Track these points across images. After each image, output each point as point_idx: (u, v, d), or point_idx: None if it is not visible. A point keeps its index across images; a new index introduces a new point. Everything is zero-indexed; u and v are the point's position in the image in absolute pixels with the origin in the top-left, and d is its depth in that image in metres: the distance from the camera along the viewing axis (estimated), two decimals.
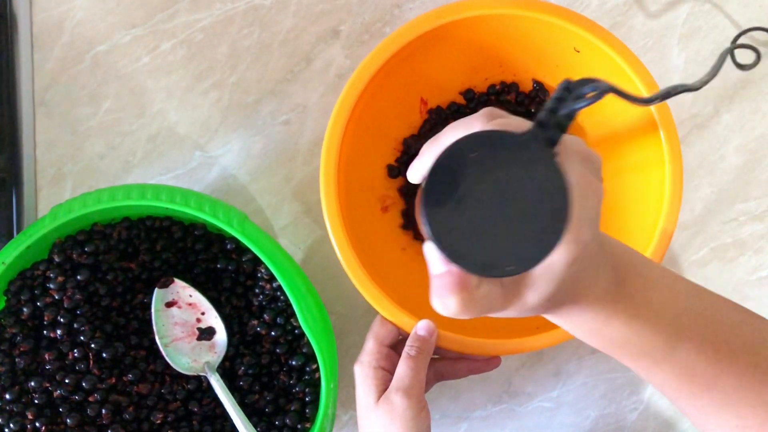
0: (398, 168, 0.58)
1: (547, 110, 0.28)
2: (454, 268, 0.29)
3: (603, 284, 0.33)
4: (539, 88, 0.57)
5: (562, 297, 0.32)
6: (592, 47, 0.50)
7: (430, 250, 0.29)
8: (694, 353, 0.35)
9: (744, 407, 0.36)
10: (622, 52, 0.49)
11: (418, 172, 0.34)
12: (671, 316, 0.35)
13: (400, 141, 0.58)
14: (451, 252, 0.27)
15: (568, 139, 0.30)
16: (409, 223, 0.58)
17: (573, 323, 0.35)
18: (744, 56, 0.50)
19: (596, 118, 0.56)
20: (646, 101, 0.30)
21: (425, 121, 0.58)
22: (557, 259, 0.29)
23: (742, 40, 0.57)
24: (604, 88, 0.27)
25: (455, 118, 0.57)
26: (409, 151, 0.58)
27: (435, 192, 0.27)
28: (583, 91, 0.27)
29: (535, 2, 0.49)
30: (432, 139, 0.33)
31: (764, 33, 0.59)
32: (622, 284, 0.34)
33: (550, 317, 0.35)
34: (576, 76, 0.50)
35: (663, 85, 0.51)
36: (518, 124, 0.30)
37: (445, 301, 0.29)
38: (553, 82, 0.56)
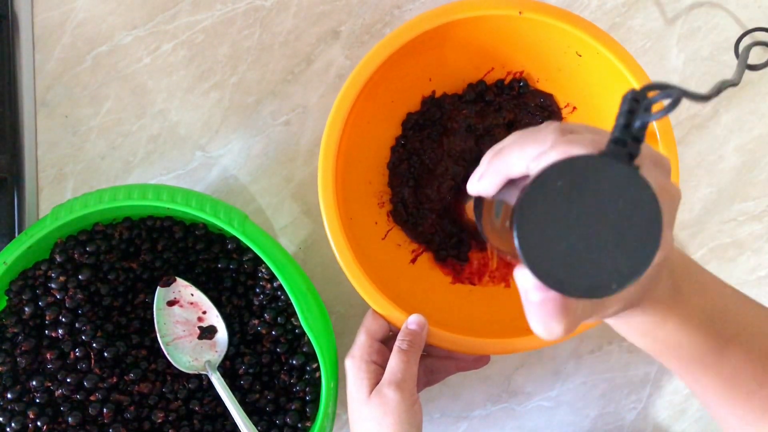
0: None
1: (621, 126, 0.27)
2: (554, 294, 0.29)
3: (662, 287, 0.34)
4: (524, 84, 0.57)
5: (634, 301, 0.33)
6: (593, 51, 0.50)
7: (525, 278, 0.29)
8: (741, 361, 0.36)
9: None
10: (624, 59, 0.49)
11: (480, 187, 0.34)
12: (721, 322, 0.36)
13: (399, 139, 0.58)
14: (553, 281, 0.27)
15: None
16: (397, 216, 0.58)
17: (629, 325, 0.36)
18: (751, 56, 0.51)
19: (593, 119, 0.56)
20: (705, 98, 0.30)
21: (423, 108, 0.58)
22: None
23: (743, 42, 0.57)
24: (676, 94, 0.26)
25: (461, 110, 0.57)
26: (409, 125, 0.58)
27: (526, 225, 0.27)
28: (653, 100, 0.27)
29: (535, 3, 0.49)
30: (494, 151, 0.33)
31: (765, 33, 0.60)
32: (678, 288, 0.35)
33: (611, 320, 0.36)
34: (577, 80, 0.50)
35: None
36: (592, 138, 0.30)
37: (550, 327, 0.30)
38: (554, 85, 0.56)
